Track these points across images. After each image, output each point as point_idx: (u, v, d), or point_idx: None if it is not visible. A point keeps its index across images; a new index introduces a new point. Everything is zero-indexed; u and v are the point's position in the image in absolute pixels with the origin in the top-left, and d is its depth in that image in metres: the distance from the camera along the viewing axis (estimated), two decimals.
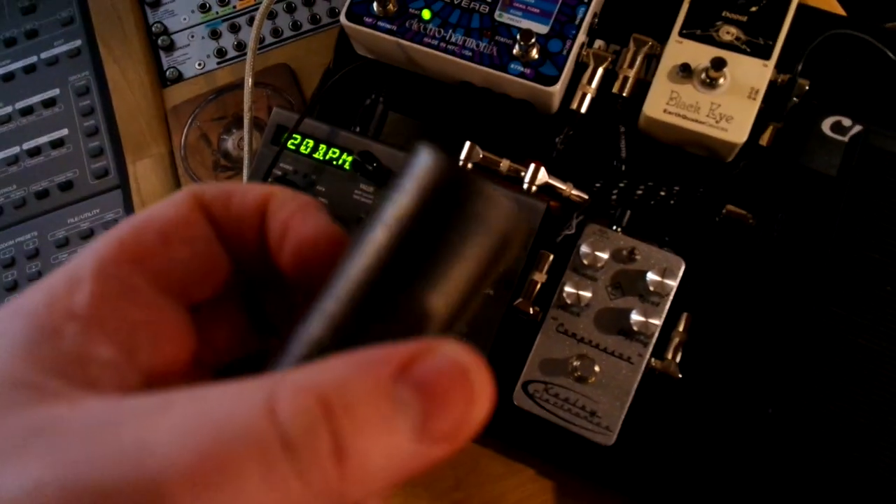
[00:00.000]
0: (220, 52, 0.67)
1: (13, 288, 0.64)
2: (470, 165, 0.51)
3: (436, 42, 0.50)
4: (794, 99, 0.49)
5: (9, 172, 0.67)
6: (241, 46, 0.67)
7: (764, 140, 0.49)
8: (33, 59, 0.69)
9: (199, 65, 0.67)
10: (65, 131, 0.67)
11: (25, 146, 0.67)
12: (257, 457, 0.13)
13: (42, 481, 0.13)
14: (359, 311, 0.17)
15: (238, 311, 0.22)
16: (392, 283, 0.17)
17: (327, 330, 0.17)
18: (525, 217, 0.18)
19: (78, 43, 0.69)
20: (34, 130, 0.68)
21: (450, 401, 0.15)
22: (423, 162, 0.18)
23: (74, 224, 0.65)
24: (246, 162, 0.60)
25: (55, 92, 0.68)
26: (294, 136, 0.51)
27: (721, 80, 0.47)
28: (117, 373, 0.17)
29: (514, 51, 0.49)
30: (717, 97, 0.48)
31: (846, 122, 0.48)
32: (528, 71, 0.49)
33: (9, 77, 0.69)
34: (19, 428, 0.14)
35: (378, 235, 0.17)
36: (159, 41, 0.68)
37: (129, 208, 0.64)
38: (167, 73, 0.67)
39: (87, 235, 0.64)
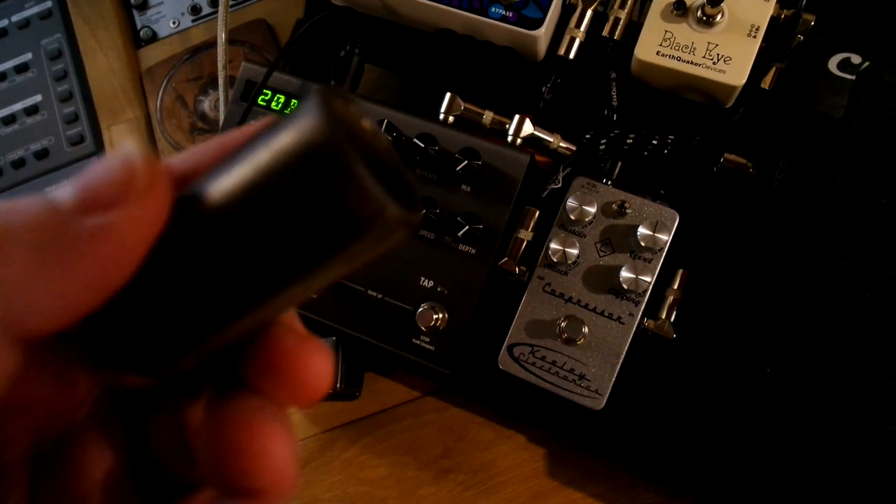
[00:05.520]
0: (195, 10, 0.64)
1: None
2: (452, 119, 0.48)
3: None
4: (799, 36, 0.45)
5: None
6: (216, 2, 0.64)
7: (766, 82, 0.46)
8: (4, 22, 0.67)
9: (174, 23, 0.64)
10: (38, 97, 0.65)
11: (0, 114, 0.65)
12: None
13: None
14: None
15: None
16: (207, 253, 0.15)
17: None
18: (408, 222, 0.14)
19: (48, 4, 0.66)
20: (8, 97, 0.65)
21: (103, 165, 0.14)
22: (300, 126, 0.14)
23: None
24: (222, 123, 0.58)
25: (27, 56, 0.66)
26: (265, 91, 0.48)
27: (718, 18, 0.44)
28: None
29: None
30: (714, 36, 0.44)
31: (855, 59, 0.44)
32: (510, 14, 0.46)
33: None
34: None
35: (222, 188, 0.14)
36: None
37: None
38: (140, 32, 0.64)
39: None
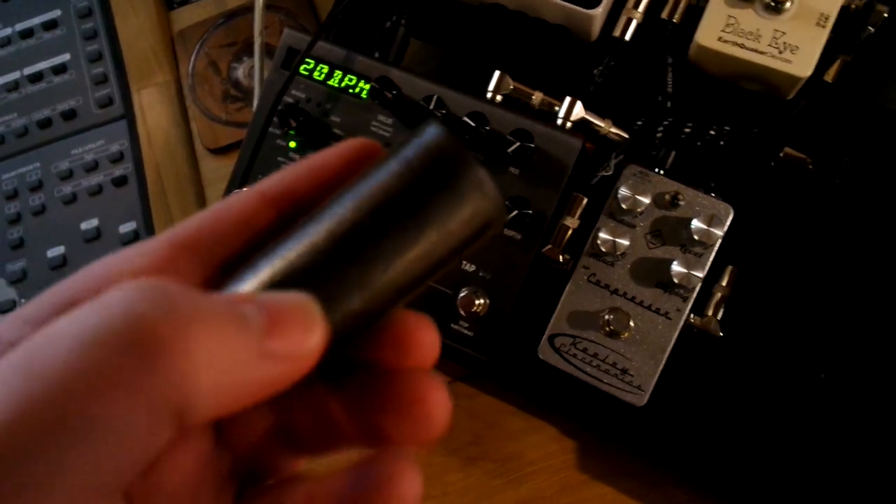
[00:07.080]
0: None
1: (16, 220, 0.61)
2: (499, 98, 0.46)
3: None
4: (870, 28, 0.43)
5: (9, 99, 0.63)
6: None
7: (829, 75, 0.44)
8: None
9: None
10: (66, 56, 0.63)
11: (26, 71, 0.63)
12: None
13: None
14: (306, 272, 0.17)
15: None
16: (349, 254, 0.17)
17: (273, 275, 0.17)
18: (503, 209, 0.18)
19: None
20: (35, 55, 0.64)
21: (289, 323, 0.15)
22: (428, 141, 0.17)
23: (78, 155, 0.61)
24: (257, 92, 0.56)
25: (56, 13, 0.64)
26: (307, 60, 0.47)
27: (787, 4, 0.42)
28: None
29: None
30: (781, 23, 0.42)
31: None
32: None
33: None
34: None
35: (349, 209, 0.17)
36: None
37: (134, 139, 0.60)
38: None
39: (92, 168, 0.61)
